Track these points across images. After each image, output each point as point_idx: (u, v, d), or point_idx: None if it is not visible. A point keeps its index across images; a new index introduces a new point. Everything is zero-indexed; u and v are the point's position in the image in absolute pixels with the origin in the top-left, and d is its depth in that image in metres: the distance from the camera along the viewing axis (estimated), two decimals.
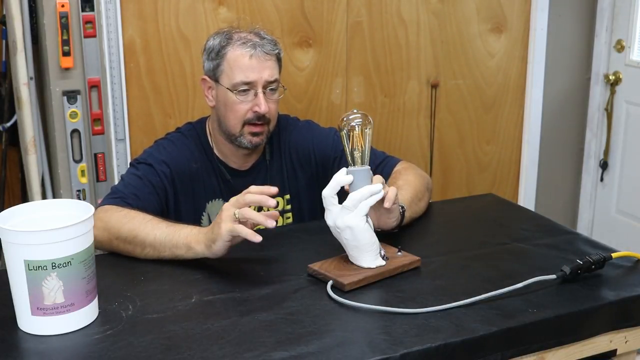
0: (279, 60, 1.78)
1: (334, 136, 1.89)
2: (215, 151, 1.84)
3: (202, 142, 1.83)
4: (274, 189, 1.42)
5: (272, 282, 1.39)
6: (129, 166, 1.80)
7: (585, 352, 1.34)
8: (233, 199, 1.44)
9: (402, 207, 1.60)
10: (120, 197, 1.67)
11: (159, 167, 1.75)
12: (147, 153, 1.80)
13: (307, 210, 1.90)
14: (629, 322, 1.37)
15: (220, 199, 1.82)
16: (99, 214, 1.58)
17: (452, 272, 1.44)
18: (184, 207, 1.79)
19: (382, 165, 1.83)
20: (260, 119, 1.74)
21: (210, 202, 1.82)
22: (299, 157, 1.88)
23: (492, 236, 1.65)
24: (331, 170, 1.84)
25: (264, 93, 1.73)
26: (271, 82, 1.74)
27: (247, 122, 1.74)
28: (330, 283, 1.36)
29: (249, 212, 1.39)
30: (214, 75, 1.77)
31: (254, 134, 1.76)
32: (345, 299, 1.31)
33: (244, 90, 1.73)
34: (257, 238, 1.37)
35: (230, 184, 1.82)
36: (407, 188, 1.69)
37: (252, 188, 1.42)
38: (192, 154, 1.81)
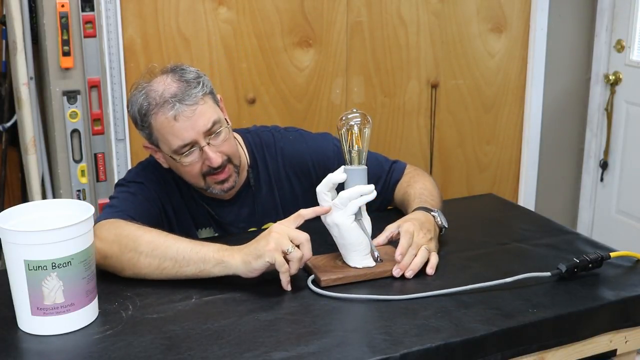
0: (210, 94, 1.58)
1: (333, 147, 1.75)
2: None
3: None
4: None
5: (272, 282, 1.39)
6: (115, 187, 1.66)
7: (585, 352, 1.34)
8: (287, 224, 1.37)
9: (444, 228, 1.55)
10: (121, 210, 1.53)
11: (150, 185, 1.63)
12: (133, 173, 1.68)
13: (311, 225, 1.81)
14: (629, 322, 1.36)
15: (211, 228, 1.72)
16: (106, 226, 1.44)
17: (452, 272, 1.44)
18: (178, 233, 1.59)
19: (391, 172, 1.76)
20: (218, 167, 1.58)
21: (200, 230, 1.71)
22: (295, 171, 1.74)
23: (492, 236, 1.64)
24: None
25: (209, 144, 1.55)
26: (210, 128, 1.55)
27: (206, 175, 1.59)
28: (311, 277, 1.39)
29: (297, 260, 1.34)
30: (152, 142, 1.61)
31: (221, 182, 1.61)
32: (335, 293, 1.33)
33: (188, 152, 1.55)
34: (288, 288, 1.36)
35: (217, 214, 1.70)
36: (434, 197, 1.65)
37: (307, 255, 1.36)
38: (174, 181, 1.67)
